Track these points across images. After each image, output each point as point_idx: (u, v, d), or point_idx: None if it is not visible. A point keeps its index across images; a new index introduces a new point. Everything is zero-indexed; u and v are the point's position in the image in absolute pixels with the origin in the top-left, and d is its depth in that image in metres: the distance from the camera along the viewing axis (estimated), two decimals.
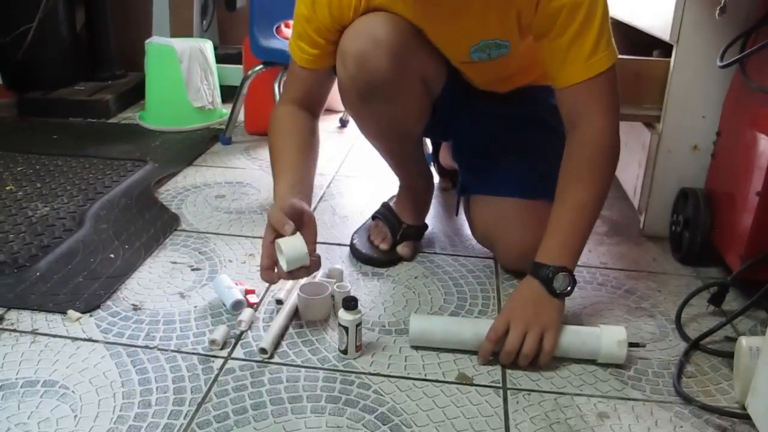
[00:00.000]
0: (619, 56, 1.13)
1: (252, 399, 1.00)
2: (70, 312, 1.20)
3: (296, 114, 1.27)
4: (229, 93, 2.42)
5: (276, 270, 1.10)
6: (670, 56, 1.45)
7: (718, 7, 1.24)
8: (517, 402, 1.02)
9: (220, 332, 1.13)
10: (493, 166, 1.38)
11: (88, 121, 2.44)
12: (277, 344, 1.13)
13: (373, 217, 1.51)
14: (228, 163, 2.04)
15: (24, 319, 1.19)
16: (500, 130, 1.39)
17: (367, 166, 2.02)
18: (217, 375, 1.05)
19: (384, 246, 1.43)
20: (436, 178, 1.82)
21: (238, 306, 1.22)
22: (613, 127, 1.13)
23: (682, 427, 0.97)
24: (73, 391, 1.00)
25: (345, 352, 1.10)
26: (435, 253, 1.48)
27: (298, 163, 1.20)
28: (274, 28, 2.09)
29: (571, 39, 1.08)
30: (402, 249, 1.43)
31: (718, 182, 1.41)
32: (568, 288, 1.11)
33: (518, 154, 1.37)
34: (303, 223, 1.10)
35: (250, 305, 1.22)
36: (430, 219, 1.57)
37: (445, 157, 1.79)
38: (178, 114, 2.34)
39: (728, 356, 1.11)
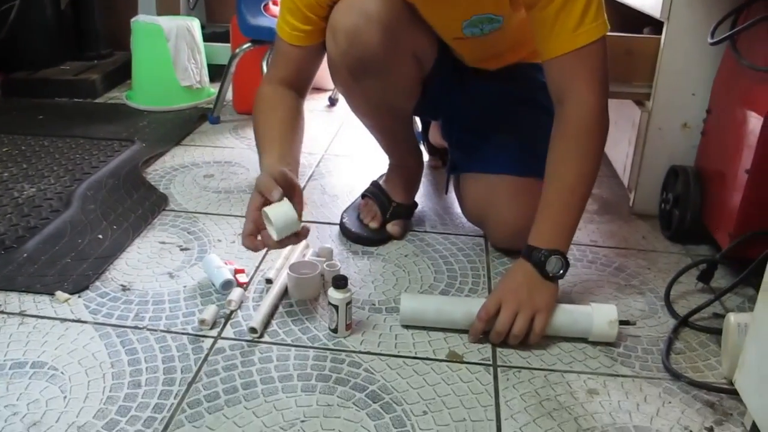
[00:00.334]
0: (609, 33, 1.10)
1: (242, 378, 1.00)
2: (58, 293, 1.19)
3: (282, 93, 1.25)
4: (217, 72, 2.39)
5: (260, 238, 1.06)
6: (660, 33, 1.44)
7: None
8: (508, 379, 1.02)
9: (209, 312, 1.13)
10: (484, 143, 1.37)
11: (74, 101, 2.41)
12: (266, 323, 1.12)
13: (363, 196, 1.51)
14: (216, 143, 2.02)
15: (11, 300, 1.18)
16: (490, 108, 1.38)
17: (356, 144, 2.01)
18: (207, 355, 1.05)
19: (374, 224, 1.43)
20: (426, 157, 1.82)
21: (227, 285, 1.21)
22: (600, 103, 1.11)
23: (670, 402, 0.98)
24: (62, 372, 1.00)
25: (335, 330, 1.10)
26: (425, 231, 1.48)
27: (285, 138, 1.18)
28: (262, 5, 2.07)
29: (557, 9, 1.06)
30: (392, 227, 1.43)
31: (708, 160, 1.42)
32: (561, 271, 1.11)
33: (508, 132, 1.36)
34: (291, 193, 1.06)
35: (240, 285, 1.22)
36: (420, 197, 1.56)
37: (435, 136, 1.79)
38: (166, 93, 2.32)
39: (716, 333, 1.12)
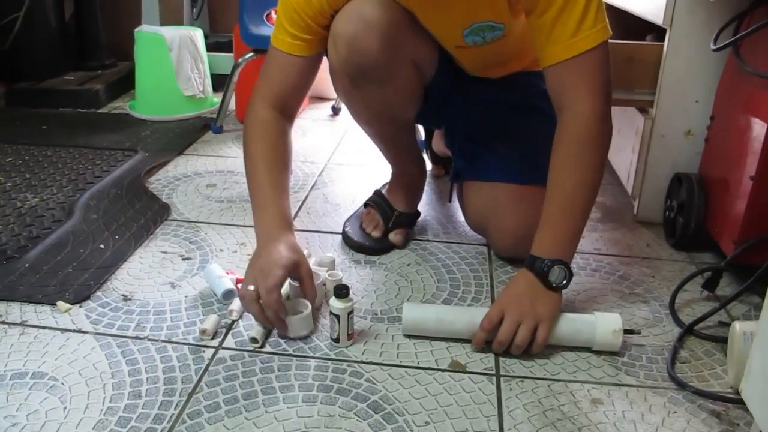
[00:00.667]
0: (612, 41, 1.09)
1: (243, 389, 0.99)
2: (60, 303, 1.19)
3: (275, 121, 1.23)
4: (220, 81, 2.40)
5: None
6: (663, 40, 1.43)
7: None
8: (511, 389, 1.01)
9: (210, 322, 1.12)
10: (486, 152, 1.36)
11: (77, 111, 2.42)
12: (268, 333, 1.12)
13: (365, 205, 1.50)
14: (219, 152, 2.02)
15: (13, 310, 1.17)
16: (493, 116, 1.37)
17: (359, 153, 2.01)
18: (208, 365, 1.04)
19: (376, 234, 1.43)
20: (429, 165, 1.81)
21: (229, 295, 1.21)
22: (601, 110, 1.09)
23: (675, 412, 0.97)
24: (62, 383, 0.99)
25: (337, 340, 1.09)
26: (428, 240, 1.47)
27: (284, 186, 1.21)
28: (265, 14, 2.07)
29: (555, 15, 1.05)
30: (394, 236, 1.42)
31: (712, 167, 1.41)
32: (564, 281, 1.09)
33: (511, 140, 1.36)
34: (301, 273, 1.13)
35: None
36: (422, 206, 1.56)
37: (438, 144, 1.78)
38: (169, 103, 2.32)
39: (722, 341, 1.11)
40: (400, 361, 1.07)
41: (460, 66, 1.34)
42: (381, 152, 1.49)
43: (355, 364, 1.06)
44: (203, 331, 1.11)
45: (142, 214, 1.55)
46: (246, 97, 2.24)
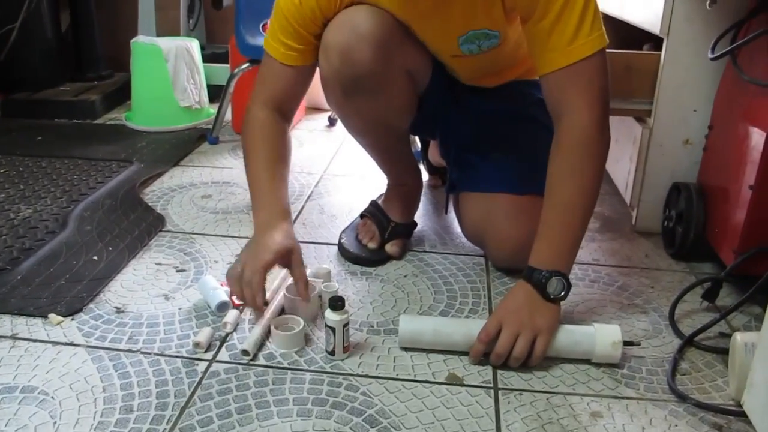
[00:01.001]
0: (609, 50, 1.09)
1: (237, 402, 0.98)
2: (51, 316, 1.17)
3: (272, 120, 1.23)
4: (217, 92, 2.38)
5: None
6: (660, 49, 1.43)
7: None
8: (509, 402, 0.99)
9: (204, 334, 1.11)
10: (482, 162, 1.35)
11: (73, 122, 2.41)
12: (260, 345, 1.10)
13: (362, 216, 1.49)
14: (215, 163, 2.01)
15: (4, 323, 1.16)
16: (488, 126, 1.36)
17: (355, 164, 2.00)
18: (201, 378, 1.03)
19: (372, 245, 1.41)
20: (425, 176, 1.80)
21: (223, 307, 1.19)
22: (598, 119, 1.08)
23: (677, 425, 0.95)
24: (52, 397, 0.97)
25: (332, 353, 1.08)
26: (424, 251, 1.46)
27: (282, 180, 1.21)
28: (261, 25, 2.07)
29: (551, 23, 1.04)
30: (391, 247, 1.41)
31: (711, 176, 1.40)
32: (563, 292, 1.08)
33: (506, 150, 1.35)
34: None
35: (236, 306, 1.20)
36: (419, 216, 1.55)
37: (435, 154, 1.77)
38: (165, 114, 2.31)
39: (723, 352, 1.10)
40: (397, 374, 1.05)
41: (453, 76, 1.34)
42: (376, 163, 1.48)
43: (351, 378, 1.04)
44: (197, 344, 1.09)
45: (136, 226, 1.54)
46: (242, 107, 2.24)
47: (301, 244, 1.09)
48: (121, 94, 2.60)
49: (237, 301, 1.21)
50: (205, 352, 1.09)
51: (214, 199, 1.73)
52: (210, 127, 2.22)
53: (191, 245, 1.46)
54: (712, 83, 1.40)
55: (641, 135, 1.48)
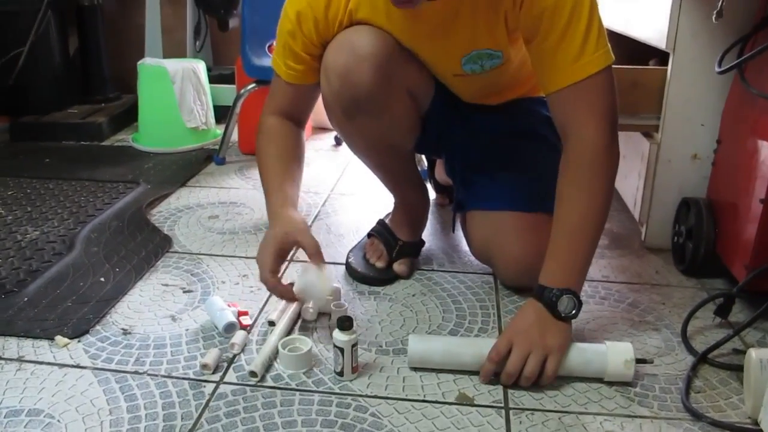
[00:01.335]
0: (615, 66, 1.08)
1: (244, 425, 0.96)
2: (58, 338, 1.16)
3: (283, 125, 1.27)
4: (223, 113, 2.39)
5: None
6: (666, 65, 1.42)
7: (715, 11, 1.21)
8: (520, 422, 0.98)
9: (211, 356, 1.10)
10: (488, 180, 1.35)
11: (81, 144, 2.42)
12: (268, 366, 1.09)
13: (369, 235, 1.48)
14: (222, 183, 2.01)
15: (10, 346, 1.15)
16: (493, 144, 1.36)
17: (362, 183, 1.99)
18: (209, 400, 1.02)
19: (380, 264, 1.40)
20: (432, 194, 1.80)
21: (230, 328, 1.18)
22: (605, 136, 1.07)
23: None
24: (58, 420, 0.97)
25: (341, 374, 1.06)
26: (432, 270, 1.45)
27: (291, 176, 1.22)
28: (267, 46, 2.08)
29: (556, 42, 1.04)
30: (398, 266, 1.40)
31: (720, 191, 1.39)
32: (574, 311, 1.07)
33: (512, 168, 1.34)
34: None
35: (243, 327, 1.19)
36: (427, 235, 1.54)
37: (441, 173, 1.77)
38: (172, 135, 2.32)
39: (737, 369, 1.08)
40: (406, 395, 1.04)
41: (456, 94, 1.33)
42: (382, 182, 1.48)
43: (360, 398, 1.03)
44: (204, 366, 1.08)
45: (143, 247, 1.53)
46: (249, 128, 2.26)
47: (308, 265, 1.10)
48: (128, 116, 2.62)
49: (244, 322, 1.20)
50: (213, 373, 1.08)
51: (221, 220, 1.73)
52: (217, 147, 2.22)
53: (198, 266, 1.46)
54: (720, 97, 1.39)
55: (649, 150, 1.48)
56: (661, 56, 1.55)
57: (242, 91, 2.13)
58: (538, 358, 1.03)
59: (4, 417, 0.97)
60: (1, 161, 2.22)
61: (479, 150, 1.37)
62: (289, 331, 1.19)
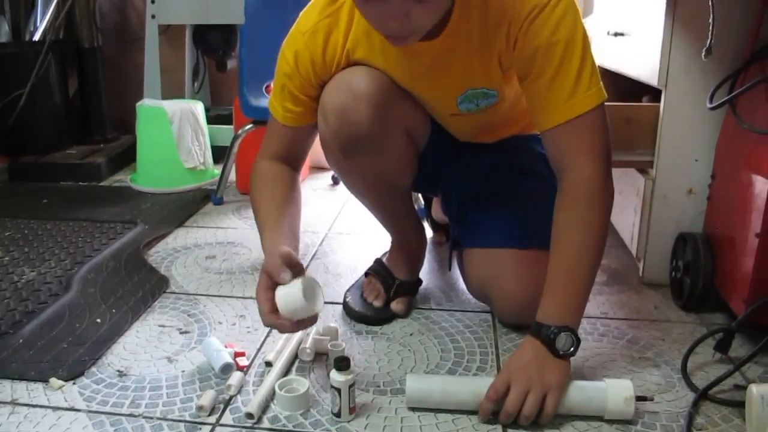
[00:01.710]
0: (608, 103, 1.09)
1: None
2: (52, 380, 1.15)
3: (277, 168, 1.25)
4: (221, 153, 2.41)
5: (279, 319, 1.07)
6: (659, 101, 1.44)
7: (704, 48, 1.23)
8: None
9: (208, 397, 1.09)
10: (484, 217, 1.35)
11: (79, 185, 2.43)
12: (265, 408, 1.08)
13: (366, 274, 1.48)
14: (219, 224, 2.01)
15: (4, 388, 1.14)
16: (489, 181, 1.37)
17: (359, 223, 2.00)
18: None
19: (377, 303, 1.40)
20: (429, 232, 1.80)
21: (227, 369, 1.17)
22: (602, 172, 1.08)
23: None
24: None
25: (338, 414, 1.05)
26: (430, 308, 1.44)
27: (284, 215, 1.19)
28: (264, 87, 2.10)
29: (549, 80, 1.05)
30: (396, 305, 1.39)
31: (717, 225, 1.39)
32: (572, 348, 1.06)
33: (508, 204, 1.34)
34: (295, 273, 1.08)
35: (240, 368, 1.18)
36: (424, 274, 1.53)
37: (437, 211, 1.77)
38: (170, 175, 2.33)
39: (739, 405, 1.07)
40: None
41: (452, 133, 1.34)
42: (379, 221, 1.48)
43: None
44: (200, 408, 1.07)
45: (140, 287, 1.53)
46: (246, 168, 2.27)
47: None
48: (127, 157, 2.63)
49: (241, 363, 1.19)
50: (209, 415, 1.07)
51: (219, 260, 1.72)
52: (214, 187, 2.23)
53: (195, 306, 1.45)
54: (713, 132, 1.40)
55: (644, 186, 1.48)
56: (653, 93, 1.57)
57: (240, 131, 2.14)
58: (537, 396, 1.02)
59: None
60: None
61: (475, 187, 1.38)
62: (286, 372, 1.18)
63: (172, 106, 2.31)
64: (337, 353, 1.17)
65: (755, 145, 1.22)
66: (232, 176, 2.32)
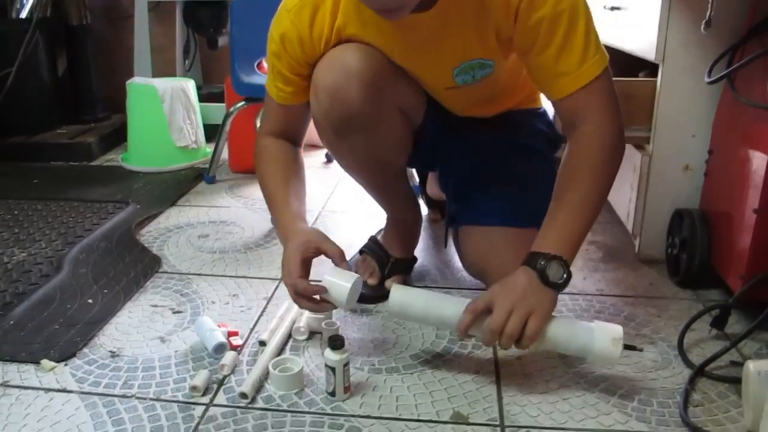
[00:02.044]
0: None
1: None
2: (44, 361, 1.14)
3: (280, 144, 1.25)
4: (213, 131, 2.38)
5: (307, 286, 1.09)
6: (656, 77, 1.42)
7: (704, 21, 1.21)
8: None
9: (201, 377, 1.08)
10: (481, 195, 1.33)
11: (70, 165, 2.40)
12: (259, 388, 1.07)
13: (361, 252, 1.46)
14: (212, 202, 2.00)
15: None
16: (486, 158, 1.35)
17: (353, 201, 1.98)
18: (198, 423, 0.99)
19: (372, 281, 1.39)
20: (425, 210, 1.78)
21: (220, 349, 1.16)
22: (616, 126, 1.09)
23: None
24: None
25: (333, 394, 1.04)
26: (425, 286, 1.43)
27: (297, 194, 1.23)
28: (255, 64, 2.07)
29: (557, 50, 1.05)
30: (391, 283, 1.38)
31: (713, 202, 1.38)
32: (563, 278, 1.05)
33: (506, 182, 1.33)
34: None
35: (233, 348, 1.17)
36: (419, 251, 1.52)
37: (433, 188, 1.75)
38: (161, 154, 2.30)
39: (736, 382, 1.06)
40: (400, 414, 1.02)
41: (448, 109, 1.32)
42: (374, 199, 1.46)
43: (353, 419, 1.01)
44: (193, 388, 1.06)
45: (132, 267, 1.51)
46: (239, 146, 2.25)
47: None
48: (118, 136, 2.60)
49: (234, 342, 1.18)
50: (202, 395, 1.06)
51: (211, 239, 1.71)
52: (207, 166, 2.21)
53: (188, 286, 1.44)
54: (710, 108, 1.39)
55: (641, 162, 1.47)
56: (650, 68, 1.55)
57: (232, 109, 2.12)
58: (520, 315, 1.01)
59: None
60: None
61: (472, 164, 1.36)
62: (280, 351, 1.17)
63: (162, 84, 2.28)
64: (331, 332, 1.16)
65: (753, 120, 1.21)
66: (225, 155, 2.29)
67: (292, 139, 1.27)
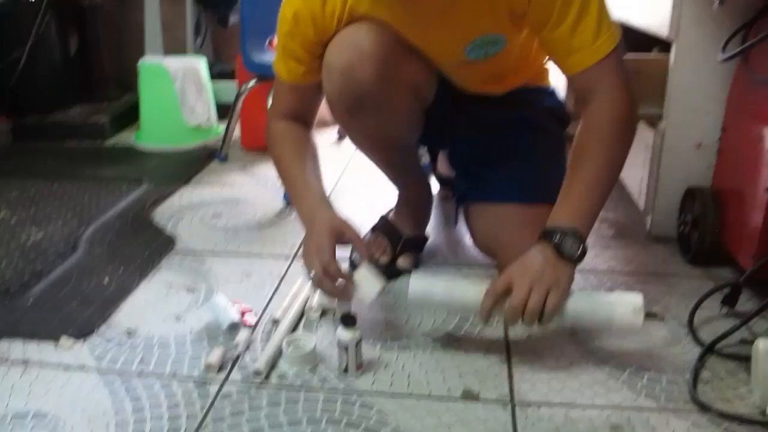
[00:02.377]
0: None
1: (249, 423, 0.96)
2: (63, 339, 1.16)
3: (290, 127, 1.26)
4: (225, 110, 2.38)
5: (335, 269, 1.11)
6: (668, 53, 1.41)
7: None
8: (526, 417, 0.97)
9: (216, 355, 1.10)
10: (491, 172, 1.34)
11: (83, 144, 2.42)
12: (273, 365, 1.09)
13: (372, 230, 1.47)
14: (225, 181, 2.01)
15: (15, 348, 1.15)
16: (496, 136, 1.35)
17: (365, 178, 1.98)
18: (214, 400, 1.01)
19: (384, 259, 1.40)
20: (435, 188, 1.78)
21: (234, 327, 1.18)
22: (629, 99, 1.10)
23: None
24: (64, 422, 0.97)
25: (345, 371, 1.06)
26: (437, 264, 1.44)
27: (318, 176, 1.24)
28: (267, 41, 2.07)
29: (572, 26, 1.06)
30: (402, 261, 1.39)
31: (726, 179, 1.37)
32: (579, 252, 1.05)
33: (515, 159, 1.33)
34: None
35: (247, 326, 1.19)
36: (430, 229, 1.53)
37: (443, 166, 1.75)
38: (174, 133, 2.32)
39: (745, 360, 1.07)
40: (411, 391, 1.03)
41: (458, 86, 1.32)
42: (386, 177, 1.47)
43: (365, 395, 1.02)
44: (208, 365, 1.08)
45: (146, 247, 1.53)
46: (251, 124, 2.25)
47: None
48: (130, 115, 2.61)
49: (248, 320, 1.20)
50: (217, 373, 1.08)
51: (225, 218, 1.72)
52: (219, 145, 2.22)
53: (202, 264, 1.46)
54: (723, 85, 1.38)
55: (653, 140, 1.46)
56: (663, 45, 1.53)
57: (243, 87, 2.12)
58: (541, 291, 1.02)
59: (11, 420, 0.97)
60: (4, 162, 2.22)
61: (482, 142, 1.36)
62: (293, 329, 1.19)
63: (174, 63, 2.29)
64: (343, 310, 1.18)
65: (767, 97, 1.20)
66: (237, 133, 2.30)
67: (304, 120, 1.28)
